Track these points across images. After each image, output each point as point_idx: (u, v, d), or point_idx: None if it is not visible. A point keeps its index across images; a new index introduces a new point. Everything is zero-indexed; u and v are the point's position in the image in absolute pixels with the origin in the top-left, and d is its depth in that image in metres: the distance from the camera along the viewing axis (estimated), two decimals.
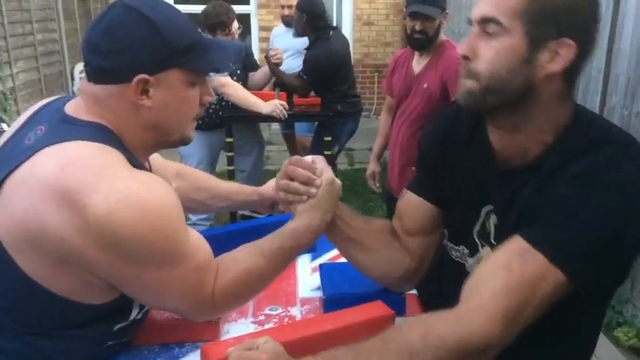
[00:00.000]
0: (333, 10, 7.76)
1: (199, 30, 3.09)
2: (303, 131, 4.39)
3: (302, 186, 1.05)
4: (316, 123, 3.91)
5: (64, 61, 5.74)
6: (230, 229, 1.59)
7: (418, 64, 2.56)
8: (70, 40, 5.92)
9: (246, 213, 4.11)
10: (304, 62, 3.56)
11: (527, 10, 0.88)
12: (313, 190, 1.05)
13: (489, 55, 0.91)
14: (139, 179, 0.89)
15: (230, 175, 3.62)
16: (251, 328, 1.18)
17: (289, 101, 3.66)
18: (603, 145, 0.90)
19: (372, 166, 2.97)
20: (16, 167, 0.88)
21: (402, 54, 2.73)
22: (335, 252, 1.51)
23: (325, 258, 1.50)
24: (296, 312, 1.26)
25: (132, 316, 1.01)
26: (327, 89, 3.60)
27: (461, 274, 1.06)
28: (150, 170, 1.07)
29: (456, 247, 1.13)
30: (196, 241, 0.96)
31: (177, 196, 0.94)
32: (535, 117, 0.93)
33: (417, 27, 2.43)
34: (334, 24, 7.47)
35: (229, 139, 3.49)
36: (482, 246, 1.06)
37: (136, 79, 0.92)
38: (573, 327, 0.99)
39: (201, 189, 1.42)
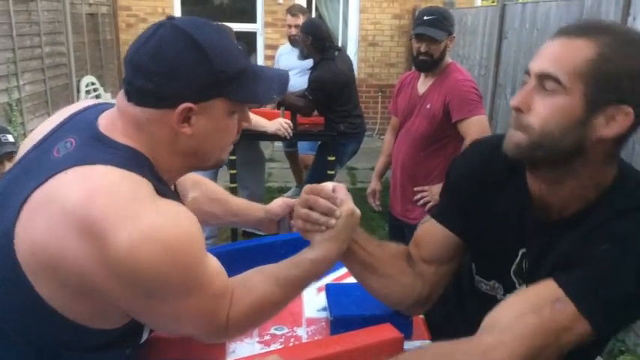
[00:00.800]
0: (339, 30, 7.84)
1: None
2: (306, 150, 4.40)
3: (322, 216, 1.02)
4: (319, 142, 3.92)
5: (70, 74, 5.78)
6: (239, 247, 1.58)
7: (423, 85, 2.58)
8: (78, 54, 5.97)
9: (248, 230, 4.14)
10: (309, 82, 3.59)
11: (590, 73, 0.85)
12: (333, 222, 1.02)
13: (544, 112, 0.89)
14: (163, 213, 0.86)
15: (233, 193, 3.61)
16: (257, 349, 1.17)
17: (293, 120, 3.68)
18: None
19: (373, 185, 2.97)
20: (43, 182, 0.86)
21: (408, 75, 2.75)
22: (340, 272, 1.50)
23: (331, 278, 1.50)
24: (302, 332, 1.25)
25: (143, 339, 1.01)
26: (330, 109, 3.62)
27: (491, 304, 1.01)
28: (176, 189, 1.06)
29: (487, 282, 1.13)
30: (214, 269, 0.94)
31: (199, 225, 0.91)
32: (579, 174, 0.92)
33: (422, 49, 2.45)
34: (339, 44, 7.57)
35: (232, 157, 3.50)
36: (520, 284, 1.06)
37: (180, 107, 0.88)
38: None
39: (215, 201, 1.41)
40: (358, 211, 1.06)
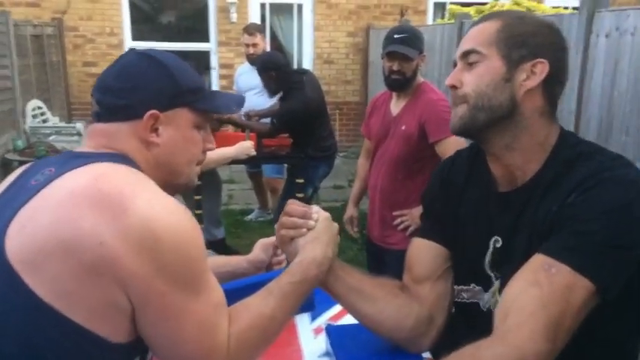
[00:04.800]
0: (294, 48, 7.81)
1: None
2: (272, 172, 4.30)
3: (300, 219, 1.09)
4: (286, 165, 3.84)
5: (15, 98, 5.48)
6: (232, 286, 1.46)
7: (396, 106, 2.53)
8: (23, 77, 5.68)
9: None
10: (278, 113, 3.48)
11: (499, 38, 1.02)
12: (312, 222, 1.09)
13: (474, 79, 1.02)
14: (174, 200, 0.90)
15: (199, 219, 3.47)
16: None
17: (258, 142, 3.59)
18: (596, 155, 0.99)
19: (350, 211, 2.87)
20: (29, 200, 0.86)
21: (380, 96, 2.70)
22: (335, 310, 1.42)
23: (325, 317, 1.41)
24: None
25: None
26: (302, 135, 3.55)
27: (476, 314, 1.09)
28: None
29: (466, 287, 1.13)
30: (214, 279, 0.95)
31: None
32: (523, 134, 1.02)
33: (395, 67, 2.40)
34: (294, 62, 7.54)
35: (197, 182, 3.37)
36: (497, 278, 1.07)
37: (147, 114, 0.95)
38: (613, 338, 1.01)
39: None
40: (335, 223, 1.13)
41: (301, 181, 3.49)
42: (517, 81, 1.01)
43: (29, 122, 5.65)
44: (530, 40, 1.01)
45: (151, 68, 0.97)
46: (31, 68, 5.91)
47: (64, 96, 6.97)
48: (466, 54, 1.04)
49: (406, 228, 2.44)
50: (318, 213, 1.11)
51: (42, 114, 6.03)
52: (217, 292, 0.94)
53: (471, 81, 1.02)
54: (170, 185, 1.02)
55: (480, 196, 1.12)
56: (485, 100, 1.01)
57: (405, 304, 1.15)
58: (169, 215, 0.86)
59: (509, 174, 1.06)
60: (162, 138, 0.97)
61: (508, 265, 1.01)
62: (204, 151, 1.06)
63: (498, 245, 1.07)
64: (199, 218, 3.49)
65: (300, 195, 3.45)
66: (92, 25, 7.32)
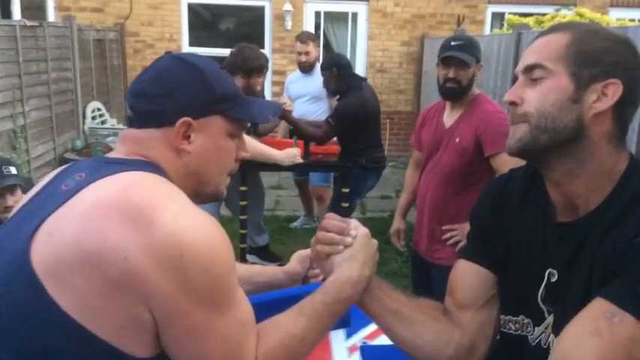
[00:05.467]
0: (348, 57, 7.79)
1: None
2: (319, 181, 4.27)
3: (337, 235, 1.04)
4: (333, 174, 3.80)
5: (76, 100, 5.71)
6: (265, 298, 1.43)
7: (449, 117, 2.44)
8: (84, 80, 5.91)
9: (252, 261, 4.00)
10: (336, 110, 3.48)
11: (568, 53, 0.92)
12: (349, 239, 1.03)
13: (538, 97, 0.93)
14: (204, 213, 0.87)
15: (243, 225, 3.49)
16: None
17: (306, 149, 3.56)
18: None
19: (397, 223, 2.79)
20: (57, 208, 0.84)
21: (432, 107, 2.62)
22: (371, 328, 1.37)
23: (361, 335, 1.36)
24: None
25: None
26: (354, 140, 3.50)
27: (523, 348, 1.02)
28: None
29: (515, 319, 1.05)
30: (242, 295, 0.92)
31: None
32: (589, 160, 0.94)
33: (451, 74, 2.32)
34: None
35: (243, 187, 3.37)
36: (549, 312, 0.99)
37: (179, 121, 0.92)
38: None
39: None
40: (375, 240, 1.07)
41: (347, 190, 3.44)
42: (586, 102, 0.92)
43: (88, 123, 5.87)
44: (603, 58, 0.92)
45: (186, 74, 0.95)
46: (92, 71, 6.14)
47: (122, 99, 7.20)
48: (530, 68, 0.95)
49: (456, 243, 2.35)
50: (356, 229, 1.05)
51: (101, 115, 6.25)
52: (245, 310, 0.90)
53: (534, 98, 0.94)
54: (198, 194, 0.99)
55: (535, 223, 1.03)
56: (549, 120, 0.92)
57: (446, 330, 1.08)
58: (196, 230, 0.82)
59: (570, 203, 0.97)
60: (194, 146, 0.95)
61: (564, 301, 0.95)
62: (236, 160, 1.03)
63: (554, 279, 0.98)
64: (244, 224, 3.50)
65: (346, 204, 3.40)
66: (152, 31, 7.54)
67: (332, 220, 1.06)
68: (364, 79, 3.71)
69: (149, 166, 0.92)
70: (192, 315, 0.83)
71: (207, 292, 0.83)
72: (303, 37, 4.29)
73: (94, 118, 6.04)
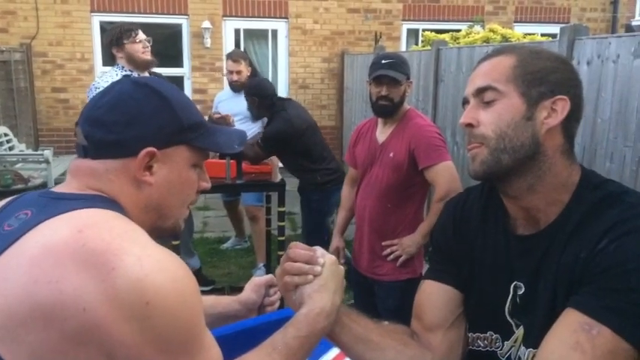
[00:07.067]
0: (269, 74, 7.79)
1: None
2: (251, 200, 4.19)
3: (305, 265, 1.00)
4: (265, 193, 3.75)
5: None
6: (223, 332, 1.36)
7: (382, 133, 2.48)
8: None
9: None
10: (263, 134, 3.43)
11: (516, 74, 0.96)
12: (318, 269, 1.00)
13: (493, 118, 0.96)
14: (167, 253, 0.80)
15: (176, 251, 3.35)
16: None
17: (238, 169, 3.49)
18: (624, 196, 0.92)
19: (336, 242, 2.77)
20: (0, 254, 0.76)
21: (364, 124, 2.65)
22: (332, 354, 1.33)
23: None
24: None
25: None
26: (303, 157, 3.46)
27: None
28: None
29: (483, 335, 1.06)
30: (210, 337, 0.86)
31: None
32: (547, 175, 0.97)
33: (383, 92, 2.36)
34: None
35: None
36: (517, 326, 1.00)
37: (143, 152, 0.85)
38: None
39: None
40: (341, 266, 1.05)
41: (283, 209, 3.40)
42: (538, 119, 0.95)
43: None
44: (548, 77, 0.96)
45: (149, 100, 0.87)
46: None
47: (30, 122, 6.77)
48: (481, 91, 0.97)
49: (396, 258, 2.38)
50: (323, 257, 1.02)
51: (8, 141, 5.82)
52: (214, 352, 0.85)
53: (489, 121, 0.96)
54: (156, 229, 0.93)
55: (497, 238, 1.05)
56: (507, 140, 0.95)
57: (417, 354, 1.07)
58: (162, 273, 0.76)
59: (530, 216, 1.00)
60: (157, 177, 0.88)
61: (532, 312, 0.96)
62: (198, 192, 0.97)
63: (520, 292, 1.00)
64: (176, 249, 3.36)
65: (282, 224, 3.36)
66: (62, 51, 7.17)
67: (298, 249, 1.02)
68: (287, 100, 3.71)
69: (105, 202, 0.84)
70: None
71: (174, 339, 0.78)
72: (234, 56, 4.21)
73: (0, 144, 5.62)
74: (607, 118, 2.56)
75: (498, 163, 0.96)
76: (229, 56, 4.24)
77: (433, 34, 5.93)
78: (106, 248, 0.74)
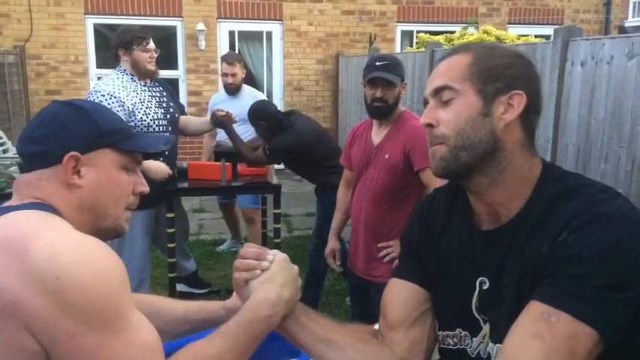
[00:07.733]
0: (264, 76, 7.79)
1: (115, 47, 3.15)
2: (248, 202, 4.19)
3: (254, 261, 1.06)
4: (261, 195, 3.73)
5: None
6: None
7: (377, 135, 2.48)
8: None
9: (184, 290, 3.84)
10: (272, 149, 3.34)
11: (472, 72, 0.97)
12: (266, 264, 1.05)
13: (450, 117, 0.97)
14: (88, 237, 0.89)
15: (171, 254, 3.34)
16: None
17: (234, 171, 3.49)
18: (583, 189, 0.94)
19: (332, 244, 2.77)
20: None
21: (359, 126, 2.65)
22: None
23: None
24: None
25: None
26: (317, 167, 3.41)
27: None
28: None
29: (452, 333, 1.06)
30: (142, 319, 0.91)
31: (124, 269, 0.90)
32: (507, 169, 0.98)
33: (378, 94, 2.36)
34: (264, 90, 7.50)
35: (170, 215, 3.24)
36: (485, 321, 1.01)
37: (66, 156, 0.95)
38: None
39: (155, 314, 1.18)
40: (295, 266, 1.10)
41: (279, 211, 3.40)
42: (495, 115, 0.96)
43: None
44: (504, 73, 0.98)
45: (69, 113, 0.99)
46: None
47: (25, 125, 6.75)
48: (438, 90, 0.99)
49: (392, 260, 2.38)
50: (274, 255, 1.07)
51: (2, 144, 5.79)
52: (145, 333, 0.89)
53: (447, 119, 0.97)
54: (98, 230, 1.01)
55: (462, 235, 1.06)
56: (466, 138, 0.96)
57: (375, 351, 1.08)
58: (73, 251, 0.83)
59: (493, 211, 1.01)
60: (86, 180, 0.98)
61: (498, 307, 0.97)
62: (134, 194, 1.06)
63: (485, 287, 1.01)
64: (172, 252, 3.35)
65: (278, 226, 3.36)
66: (56, 53, 7.15)
67: (249, 247, 1.09)
68: (291, 112, 3.66)
69: (39, 206, 0.93)
70: (79, 338, 0.82)
71: (91, 313, 0.83)
72: (229, 59, 4.20)
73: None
74: (601, 119, 2.57)
75: (457, 160, 0.98)
76: (224, 59, 4.23)
77: (427, 35, 5.94)
78: (21, 236, 0.83)
